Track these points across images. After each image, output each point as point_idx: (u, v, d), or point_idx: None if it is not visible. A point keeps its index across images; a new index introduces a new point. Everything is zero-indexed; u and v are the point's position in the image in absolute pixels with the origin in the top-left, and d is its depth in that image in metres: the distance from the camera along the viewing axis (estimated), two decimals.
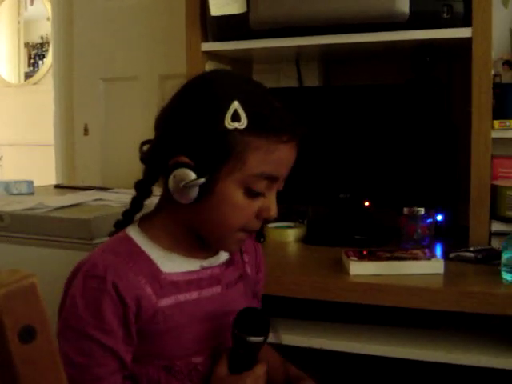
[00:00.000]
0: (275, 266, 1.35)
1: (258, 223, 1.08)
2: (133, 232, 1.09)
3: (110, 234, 1.13)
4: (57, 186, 2.63)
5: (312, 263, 1.70)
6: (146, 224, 1.11)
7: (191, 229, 1.08)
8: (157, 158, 1.06)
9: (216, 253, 1.14)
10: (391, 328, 1.54)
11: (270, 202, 1.05)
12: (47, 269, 1.71)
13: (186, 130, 1.03)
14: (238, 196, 1.02)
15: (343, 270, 1.54)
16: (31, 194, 2.29)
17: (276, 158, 1.02)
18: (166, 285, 1.05)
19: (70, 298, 1.02)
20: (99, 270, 1.00)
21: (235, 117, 0.99)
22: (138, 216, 1.14)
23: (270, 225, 1.98)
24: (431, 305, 1.40)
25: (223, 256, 1.15)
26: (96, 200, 2.08)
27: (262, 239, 1.21)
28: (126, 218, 1.13)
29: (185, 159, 1.01)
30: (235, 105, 1.00)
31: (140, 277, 1.02)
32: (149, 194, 1.11)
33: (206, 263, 1.11)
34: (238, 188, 1.02)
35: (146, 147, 1.11)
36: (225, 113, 0.99)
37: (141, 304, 1.01)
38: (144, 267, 1.04)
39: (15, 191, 2.26)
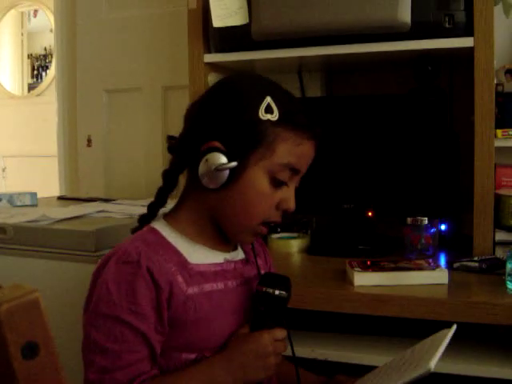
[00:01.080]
0: None
1: (278, 215, 1.13)
2: (158, 225, 1.14)
3: (133, 231, 1.16)
4: (60, 198, 2.64)
5: (316, 274, 1.70)
6: (170, 217, 1.16)
7: (214, 219, 1.13)
8: (187, 146, 1.12)
9: (235, 248, 1.20)
10: (395, 339, 1.53)
11: (290, 194, 1.12)
12: (51, 281, 1.72)
13: (220, 118, 1.09)
14: (264, 183, 1.09)
15: (347, 280, 1.53)
16: (35, 205, 2.29)
17: (300, 151, 1.10)
18: (193, 274, 1.08)
19: (100, 286, 1.04)
20: (132, 256, 1.04)
21: (268, 109, 1.07)
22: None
23: (274, 235, 1.98)
24: (435, 315, 1.39)
25: (241, 253, 1.21)
26: (99, 212, 2.08)
27: (278, 229, 1.25)
28: (151, 211, 1.17)
29: (218, 144, 1.07)
30: (268, 99, 1.07)
31: (170, 264, 1.06)
32: (174, 185, 1.16)
33: (228, 256, 1.16)
34: (264, 175, 1.08)
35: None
36: (259, 105, 1.07)
37: (173, 290, 1.04)
38: (173, 257, 1.08)
39: (19, 203, 2.27)
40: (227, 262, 1.15)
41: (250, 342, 1.08)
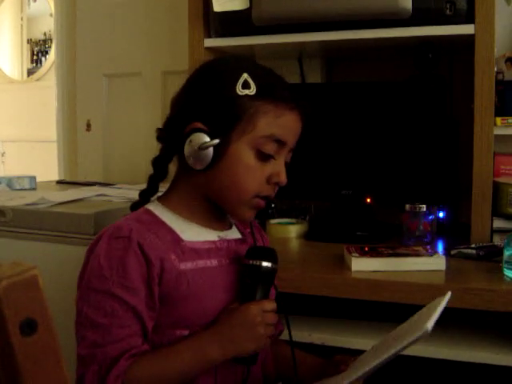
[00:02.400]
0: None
1: (271, 189, 1.14)
2: (152, 205, 1.16)
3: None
4: (59, 182, 2.64)
5: (314, 259, 1.70)
6: (163, 198, 1.18)
7: (207, 198, 1.15)
8: (172, 132, 1.14)
9: (230, 227, 1.22)
10: (392, 324, 1.53)
11: (279, 167, 1.13)
12: (49, 264, 1.72)
13: (200, 98, 1.12)
14: (250, 157, 1.10)
15: (345, 266, 1.54)
16: (34, 189, 2.29)
17: (283, 122, 1.11)
18: (187, 251, 1.10)
19: (92, 260, 1.06)
20: (124, 231, 1.06)
21: (245, 85, 1.09)
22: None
23: (272, 221, 1.98)
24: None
25: (236, 233, 1.22)
26: (98, 195, 2.08)
27: (272, 204, 1.28)
28: (143, 198, 1.19)
29: (199, 125, 1.10)
30: (245, 75, 1.10)
31: (163, 241, 1.08)
32: (165, 173, 1.19)
33: (222, 234, 1.17)
34: (250, 150, 1.10)
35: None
36: (235, 82, 1.09)
37: (164, 266, 1.05)
38: (166, 234, 1.10)
39: (18, 186, 2.27)
40: (221, 240, 1.17)
41: (237, 314, 1.09)
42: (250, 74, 1.10)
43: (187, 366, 1.05)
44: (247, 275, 1.12)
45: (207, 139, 1.09)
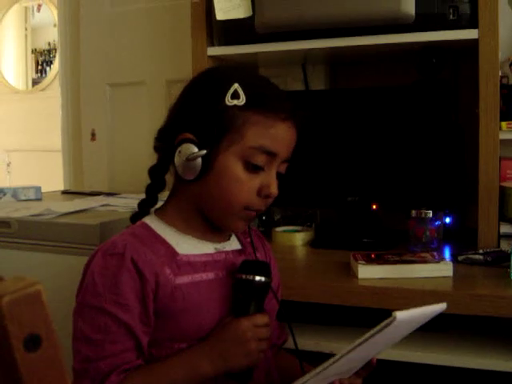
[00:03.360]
0: (283, 270, 1.35)
1: (261, 201, 1.13)
2: (148, 219, 1.16)
3: (127, 227, 1.17)
4: (64, 192, 2.64)
5: (320, 267, 1.69)
6: (160, 211, 1.18)
7: (200, 209, 1.15)
8: (165, 142, 1.14)
9: (228, 238, 1.21)
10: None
11: (270, 179, 1.12)
12: (55, 275, 1.72)
13: (190, 109, 1.12)
14: (238, 169, 1.09)
15: (351, 273, 1.53)
16: (39, 199, 2.29)
17: (273, 133, 1.09)
18: (182, 265, 1.10)
19: (88, 277, 1.07)
20: (118, 247, 1.06)
21: (235, 95, 1.08)
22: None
23: (278, 229, 1.97)
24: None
25: (235, 244, 1.22)
26: (103, 205, 2.08)
27: (263, 217, 1.26)
28: (142, 209, 1.20)
29: (188, 135, 1.10)
30: (235, 86, 1.09)
31: (157, 256, 1.08)
32: (162, 183, 1.19)
33: (219, 246, 1.17)
34: (238, 161, 1.09)
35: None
36: (225, 93, 1.08)
37: (159, 281, 1.05)
38: (161, 249, 1.10)
39: (23, 197, 2.27)
40: (218, 252, 1.16)
41: (228, 329, 1.08)
42: (241, 84, 1.09)
43: (179, 380, 1.06)
44: (240, 290, 1.11)
45: (195, 150, 1.08)
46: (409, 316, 0.94)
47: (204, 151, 1.08)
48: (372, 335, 0.95)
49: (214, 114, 1.09)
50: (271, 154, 1.10)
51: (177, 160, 1.10)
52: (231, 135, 1.08)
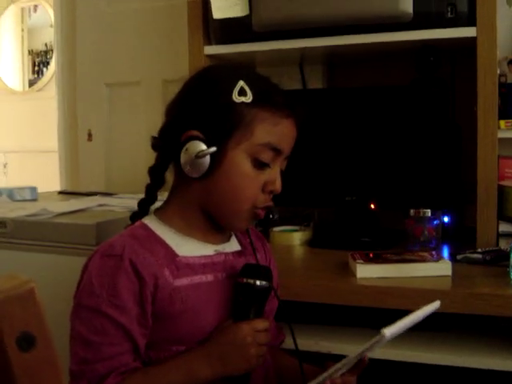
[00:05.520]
0: (281, 270, 1.34)
1: (266, 197, 1.13)
2: (148, 219, 1.15)
3: (126, 227, 1.16)
4: (61, 192, 2.63)
5: (318, 267, 1.68)
6: (159, 211, 1.17)
7: (203, 209, 1.14)
8: (168, 140, 1.13)
9: (228, 239, 1.20)
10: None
11: (274, 175, 1.12)
12: (51, 275, 1.71)
13: (196, 106, 1.10)
14: (246, 165, 1.09)
15: (350, 273, 1.52)
16: (35, 200, 2.28)
17: (279, 130, 1.10)
18: (181, 267, 1.09)
19: (85, 278, 1.06)
20: (116, 249, 1.05)
21: (242, 92, 1.08)
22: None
23: (276, 228, 1.97)
24: (439, 307, 1.38)
25: (235, 245, 1.21)
26: (100, 205, 2.07)
27: (271, 215, 1.26)
28: (141, 208, 1.19)
29: (196, 133, 1.08)
30: (241, 83, 1.09)
31: (157, 257, 1.07)
32: (162, 182, 1.18)
33: (219, 248, 1.16)
34: (246, 158, 1.09)
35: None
36: (232, 90, 1.08)
37: (158, 283, 1.05)
38: (160, 250, 1.09)
39: (19, 197, 2.26)
40: (217, 253, 1.15)
41: (227, 333, 1.08)
42: (246, 82, 1.09)
43: (177, 383, 1.05)
44: (240, 293, 1.11)
45: (204, 147, 1.07)
46: (398, 329, 0.94)
47: (214, 148, 1.07)
48: (361, 353, 0.95)
49: (222, 111, 1.08)
50: (277, 151, 1.11)
51: (183, 158, 1.09)
52: (240, 132, 1.08)
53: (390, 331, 0.91)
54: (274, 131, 1.09)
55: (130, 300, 1.02)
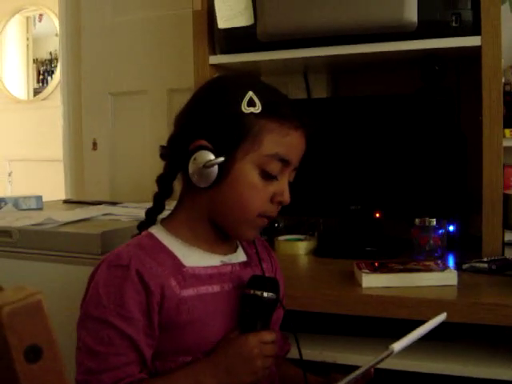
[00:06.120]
0: (286, 280, 1.34)
1: (274, 208, 1.13)
2: (155, 229, 1.15)
3: (132, 237, 1.16)
4: (66, 201, 2.63)
5: (323, 276, 1.68)
6: (166, 221, 1.17)
7: (210, 219, 1.14)
8: (177, 149, 1.12)
9: (235, 250, 1.20)
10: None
11: (283, 186, 1.12)
12: (56, 284, 1.71)
13: (205, 116, 1.11)
14: (254, 176, 1.09)
15: (355, 282, 1.52)
16: (40, 209, 2.28)
17: (288, 141, 1.10)
18: (188, 277, 1.09)
19: (92, 288, 1.06)
20: (123, 259, 1.05)
21: (251, 103, 1.08)
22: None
23: (281, 237, 1.96)
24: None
25: (241, 255, 1.20)
26: (105, 215, 2.07)
27: (276, 224, 1.24)
28: (149, 217, 1.19)
29: (204, 142, 1.08)
30: (250, 93, 1.09)
31: (163, 268, 1.06)
32: (170, 191, 1.18)
33: (225, 259, 1.15)
34: (254, 168, 1.09)
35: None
36: (241, 100, 1.08)
37: (165, 293, 1.04)
38: (167, 260, 1.08)
39: (24, 206, 2.26)
40: (224, 264, 1.15)
41: (234, 345, 1.07)
42: (255, 92, 1.09)
43: None
44: (247, 305, 1.10)
45: (212, 157, 1.07)
46: (406, 343, 0.93)
47: (222, 158, 1.07)
48: (369, 368, 0.94)
49: (231, 122, 1.08)
50: (285, 162, 1.11)
51: (191, 167, 1.09)
52: (248, 143, 1.08)
53: (398, 346, 0.90)
54: (283, 142, 1.09)
55: (136, 311, 1.02)
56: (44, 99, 4.47)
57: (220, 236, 1.16)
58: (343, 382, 0.95)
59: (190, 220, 1.15)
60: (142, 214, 1.22)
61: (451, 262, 1.75)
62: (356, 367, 1.44)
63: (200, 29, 1.97)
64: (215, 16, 1.87)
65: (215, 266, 1.13)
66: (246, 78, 1.24)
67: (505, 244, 1.70)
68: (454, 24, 1.69)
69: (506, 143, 1.69)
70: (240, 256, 1.20)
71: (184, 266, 1.09)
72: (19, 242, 1.82)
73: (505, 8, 1.93)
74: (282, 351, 1.32)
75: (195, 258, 1.12)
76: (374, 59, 1.90)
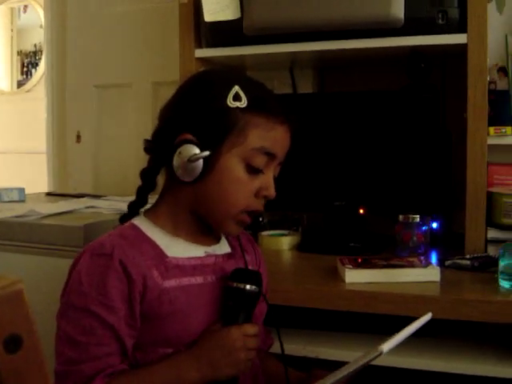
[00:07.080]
0: (269, 275, 1.34)
1: (259, 203, 1.13)
2: (138, 220, 1.15)
3: (115, 227, 1.16)
4: (48, 194, 2.61)
5: (307, 271, 1.68)
6: (149, 212, 1.17)
7: (194, 212, 1.13)
8: (161, 143, 1.12)
9: (218, 241, 1.19)
10: (387, 336, 1.51)
11: (268, 181, 1.12)
12: (39, 276, 1.70)
13: (190, 110, 1.10)
14: (239, 170, 1.09)
15: (338, 277, 1.52)
16: (23, 201, 2.27)
17: (273, 136, 1.10)
18: (171, 268, 1.08)
19: (74, 277, 1.05)
20: (106, 248, 1.05)
21: (236, 97, 1.08)
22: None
23: (264, 232, 1.96)
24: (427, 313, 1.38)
25: (225, 247, 1.20)
26: (88, 207, 2.06)
27: (260, 218, 1.25)
28: (131, 211, 1.18)
29: (189, 136, 1.08)
30: (236, 88, 1.09)
31: (146, 258, 1.06)
32: (153, 185, 1.18)
33: (210, 250, 1.16)
34: (239, 162, 1.09)
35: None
36: (227, 94, 1.08)
37: (147, 283, 1.04)
38: (149, 250, 1.08)
39: (6, 198, 2.24)
40: (208, 255, 1.15)
41: (217, 337, 1.07)
42: (241, 87, 1.09)
43: None
44: (230, 297, 1.10)
45: (197, 151, 1.07)
46: (395, 344, 0.94)
47: (207, 152, 1.07)
48: (357, 368, 0.94)
49: (217, 116, 1.08)
50: (271, 156, 1.11)
51: (176, 161, 1.09)
52: (234, 137, 1.08)
53: (387, 347, 0.91)
54: (268, 136, 1.09)
55: (118, 299, 1.02)
56: (28, 91, 4.43)
57: (203, 227, 1.16)
58: (328, 381, 0.94)
59: (173, 212, 1.14)
60: (125, 208, 1.22)
61: (434, 258, 1.76)
62: (339, 363, 1.44)
63: (186, 22, 1.96)
64: (201, 9, 1.86)
65: (199, 257, 1.13)
66: (232, 72, 1.24)
67: (488, 241, 1.70)
68: (440, 21, 1.69)
69: (490, 141, 1.69)
70: (224, 247, 1.20)
71: (167, 257, 1.09)
72: (1, 233, 1.80)
73: (491, 6, 1.93)
74: (265, 345, 1.32)
75: (179, 249, 1.12)
76: (360, 55, 1.90)
